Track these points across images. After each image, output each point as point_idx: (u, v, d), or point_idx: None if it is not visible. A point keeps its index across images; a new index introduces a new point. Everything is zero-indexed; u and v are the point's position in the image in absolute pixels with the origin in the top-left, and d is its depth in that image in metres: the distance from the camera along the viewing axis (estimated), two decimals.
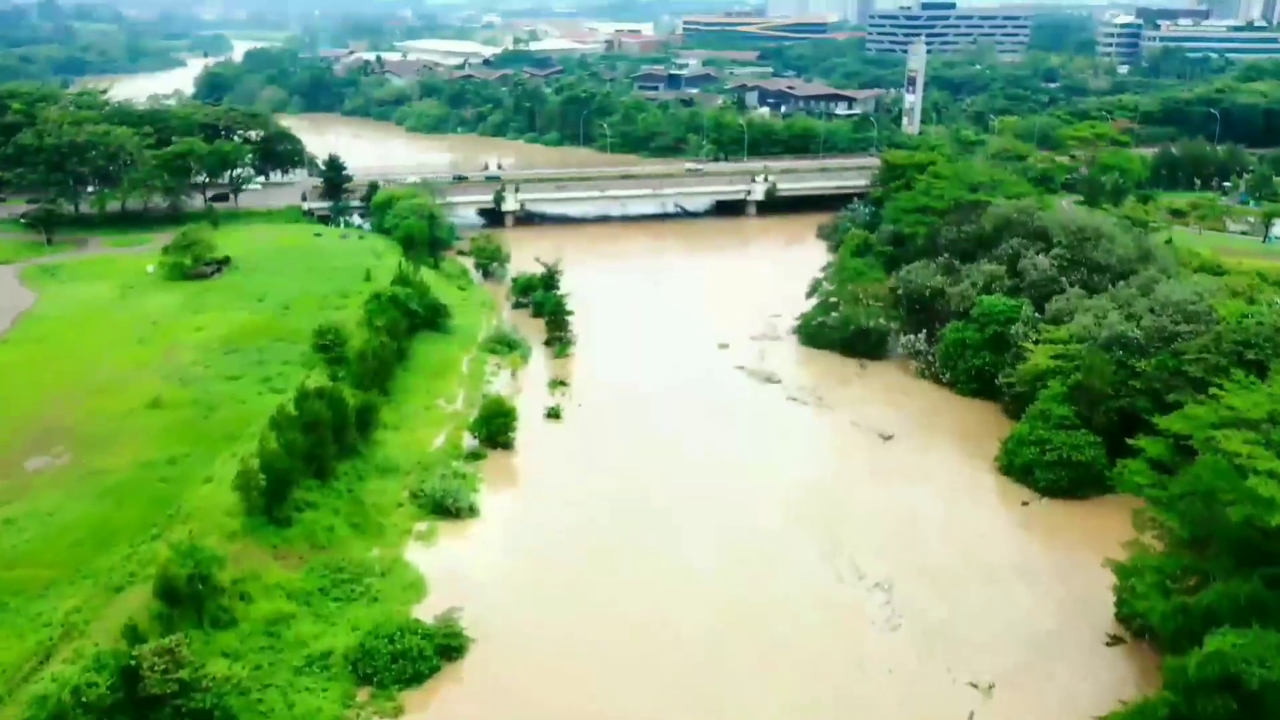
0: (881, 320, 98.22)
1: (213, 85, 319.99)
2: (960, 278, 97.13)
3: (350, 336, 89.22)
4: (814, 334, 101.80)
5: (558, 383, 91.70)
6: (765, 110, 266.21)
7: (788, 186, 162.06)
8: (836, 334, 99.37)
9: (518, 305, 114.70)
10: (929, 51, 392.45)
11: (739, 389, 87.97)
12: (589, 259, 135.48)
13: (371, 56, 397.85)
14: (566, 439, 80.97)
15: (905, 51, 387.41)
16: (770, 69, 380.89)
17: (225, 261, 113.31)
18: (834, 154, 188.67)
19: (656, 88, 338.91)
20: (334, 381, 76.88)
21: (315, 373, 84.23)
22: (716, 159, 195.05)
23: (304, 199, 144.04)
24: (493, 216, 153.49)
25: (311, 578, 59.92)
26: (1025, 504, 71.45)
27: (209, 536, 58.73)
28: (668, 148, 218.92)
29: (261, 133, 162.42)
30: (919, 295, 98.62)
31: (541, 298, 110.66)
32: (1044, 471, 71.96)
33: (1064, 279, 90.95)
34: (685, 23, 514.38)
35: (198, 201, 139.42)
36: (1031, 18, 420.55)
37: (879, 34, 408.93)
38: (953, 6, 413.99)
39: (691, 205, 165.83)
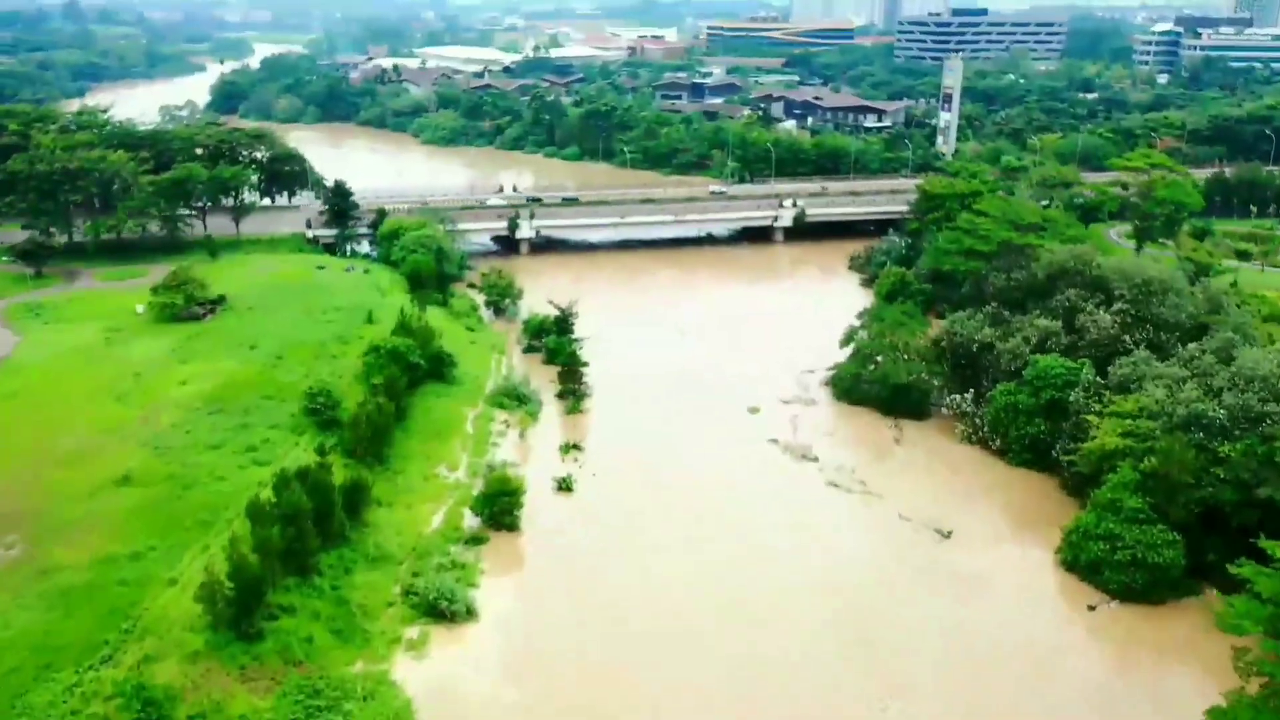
0: (924, 376, 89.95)
1: (228, 94, 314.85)
2: (1011, 330, 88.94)
3: (344, 397, 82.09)
4: (849, 389, 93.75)
5: (570, 446, 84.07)
6: (792, 124, 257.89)
7: (817, 212, 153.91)
8: (874, 390, 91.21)
9: (529, 349, 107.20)
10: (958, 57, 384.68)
11: (772, 468, 79.00)
12: (607, 293, 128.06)
13: (389, 64, 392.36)
14: (577, 518, 73.30)
15: (935, 60, 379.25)
16: (796, 77, 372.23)
17: (219, 301, 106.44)
18: (865, 175, 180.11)
19: (680, 97, 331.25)
20: (322, 455, 69.29)
21: (305, 439, 77.33)
22: (742, 179, 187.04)
23: (309, 226, 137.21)
24: (507, 243, 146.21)
25: (283, 704, 52.60)
26: (1092, 608, 63.37)
27: (167, 659, 51.78)
28: (691, 164, 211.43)
29: (267, 152, 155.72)
30: (965, 350, 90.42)
31: (555, 344, 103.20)
32: (1114, 572, 63.73)
33: (1127, 337, 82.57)
34: (709, 28, 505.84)
35: (198, 228, 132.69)
36: (1065, 24, 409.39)
37: (908, 41, 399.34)
38: (984, 13, 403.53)
39: (717, 230, 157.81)
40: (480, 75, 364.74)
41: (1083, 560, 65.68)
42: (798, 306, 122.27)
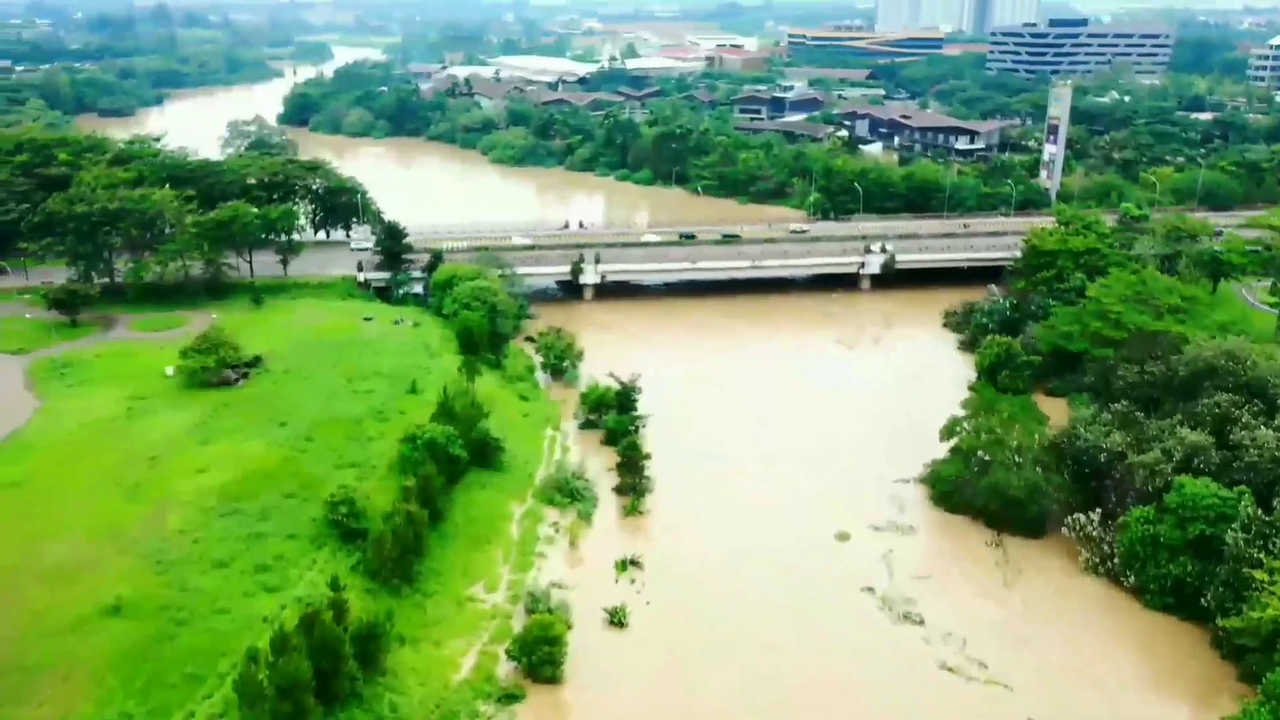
0: (1040, 485, 77.04)
1: (300, 106, 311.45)
2: (1146, 438, 75.65)
3: (373, 495, 72.85)
4: (950, 494, 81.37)
5: (626, 563, 73.31)
6: (878, 147, 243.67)
7: (908, 259, 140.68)
8: (981, 499, 78.71)
9: (587, 424, 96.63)
10: (1055, 72, 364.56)
11: (867, 635, 65.23)
12: (676, 352, 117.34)
13: (463, 74, 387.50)
14: (629, 668, 62.49)
15: (1030, 73, 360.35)
16: (882, 91, 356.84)
17: (254, 363, 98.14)
18: (961, 212, 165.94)
19: (759, 111, 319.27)
20: (336, 590, 59.79)
21: (324, 555, 68.15)
22: (825, 213, 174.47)
23: (360, 269, 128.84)
24: (571, 286, 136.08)
25: None
26: None
27: None
28: (769, 193, 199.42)
29: (322, 183, 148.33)
30: (1089, 458, 77.32)
31: (615, 423, 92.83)
32: None
33: None
34: (790, 36, 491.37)
35: (244, 269, 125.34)
36: (1171, 35, 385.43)
37: (1001, 53, 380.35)
38: (1084, 24, 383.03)
39: (798, 274, 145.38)
40: (554, 87, 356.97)
41: None
42: (888, 377, 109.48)
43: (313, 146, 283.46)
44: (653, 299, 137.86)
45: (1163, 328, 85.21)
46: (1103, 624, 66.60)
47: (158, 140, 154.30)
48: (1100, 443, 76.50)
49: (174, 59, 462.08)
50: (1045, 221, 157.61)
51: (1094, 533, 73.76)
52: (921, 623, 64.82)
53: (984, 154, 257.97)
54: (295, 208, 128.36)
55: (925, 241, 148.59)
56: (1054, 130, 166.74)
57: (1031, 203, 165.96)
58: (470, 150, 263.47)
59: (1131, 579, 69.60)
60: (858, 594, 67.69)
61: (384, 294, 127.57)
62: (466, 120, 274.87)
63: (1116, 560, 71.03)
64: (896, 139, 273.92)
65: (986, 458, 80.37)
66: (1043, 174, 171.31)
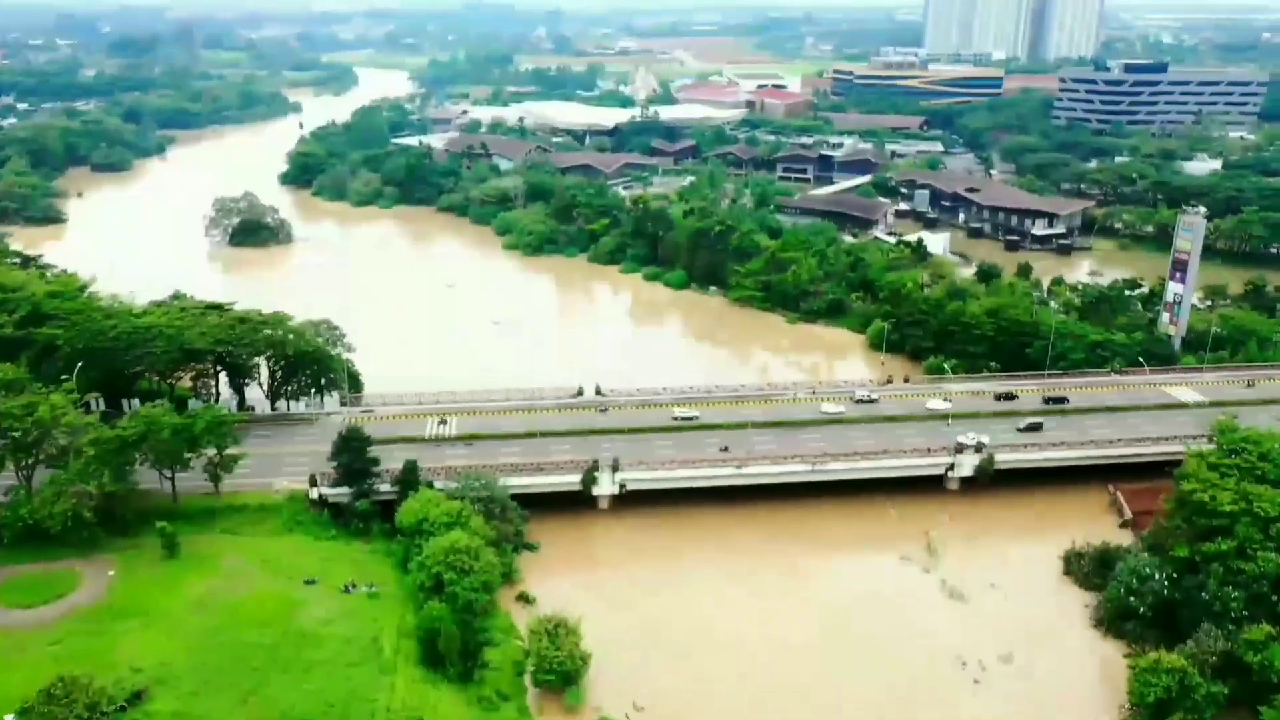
0: None
1: (303, 167, 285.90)
2: None
3: None
4: None
5: None
6: (945, 240, 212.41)
7: (1009, 459, 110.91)
8: None
9: None
10: (1132, 122, 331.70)
11: None
12: (717, 616, 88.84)
13: (486, 116, 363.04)
14: None
15: (1103, 122, 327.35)
16: (939, 144, 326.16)
17: (133, 701, 70.82)
18: (1064, 369, 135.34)
19: (805, 170, 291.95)
20: None
21: None
22: (893, 345, 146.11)
23: (314, 483, 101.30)
24: (584, 496, 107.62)
25: None
26: None
27: None
28: (824, 310, 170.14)
29: (284, 337, 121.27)
30: None
31: None
32: None
33: None
34: (836, 73, 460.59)
35: (165, 486, 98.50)
36: (1265, 83, 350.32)
37: (1071, 100, 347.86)
38: (1163, 69, 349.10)
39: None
40: (580, 139, 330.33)
41: None
42: (1014, 709, 79.61)
43: (313, 215, 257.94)
44: (685, 508, 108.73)
45: None
46: None
47: (84, 289, 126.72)
48: None
49: (184, 96, 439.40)
50: (1174, 383, 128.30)
51: None
52: None
53: (1064, 239, 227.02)
54: (226, 415, 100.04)
55: (1027, 418, 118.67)
56: (1181, 267, 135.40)
57: (1151, 354, 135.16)
58: (484, 227, 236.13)
59: None
60: None
61: (339, 515, 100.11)
62: (482, 192, 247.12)
63: None
64: (962, 215, 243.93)
65: None
66: (1164, 316, 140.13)
